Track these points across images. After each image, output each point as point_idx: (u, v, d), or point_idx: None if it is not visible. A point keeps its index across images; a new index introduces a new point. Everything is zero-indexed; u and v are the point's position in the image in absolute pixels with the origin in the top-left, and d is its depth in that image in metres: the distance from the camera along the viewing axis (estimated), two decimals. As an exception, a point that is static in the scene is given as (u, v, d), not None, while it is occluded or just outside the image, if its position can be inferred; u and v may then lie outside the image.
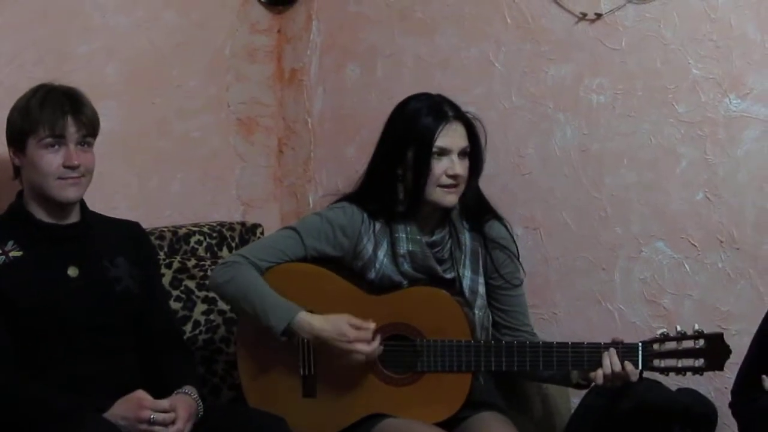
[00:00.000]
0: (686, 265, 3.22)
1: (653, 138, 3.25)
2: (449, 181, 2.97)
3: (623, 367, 2.77)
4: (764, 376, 2.58)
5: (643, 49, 3.24)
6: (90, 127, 2.85)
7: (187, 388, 2.82)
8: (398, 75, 3.70)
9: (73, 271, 2.85)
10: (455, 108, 3.02)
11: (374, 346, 2.88)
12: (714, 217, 3.16)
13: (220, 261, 3.08)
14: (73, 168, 2.80)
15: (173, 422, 2.70)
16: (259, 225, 3.75)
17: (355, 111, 3.80)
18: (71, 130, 2.80)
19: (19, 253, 2.82)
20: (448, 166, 2.96)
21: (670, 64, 3.20)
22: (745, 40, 3.09)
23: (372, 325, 2.88)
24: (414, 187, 2.98)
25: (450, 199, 2.99)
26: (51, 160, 2.79)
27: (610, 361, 2.78)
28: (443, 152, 2.97)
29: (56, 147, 2.80)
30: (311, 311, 2.95)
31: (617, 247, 3.33)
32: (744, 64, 3.09)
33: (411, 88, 3.15)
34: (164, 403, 2.71)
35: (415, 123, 2.98)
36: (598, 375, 2.80)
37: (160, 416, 2.68)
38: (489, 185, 3.21)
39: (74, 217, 2.90)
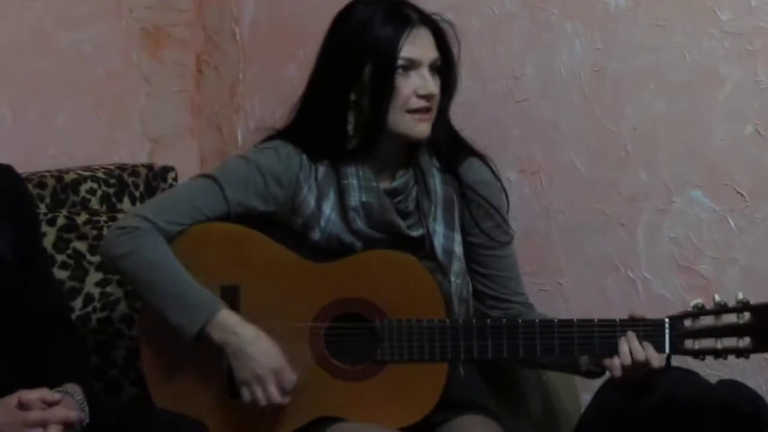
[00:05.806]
0: (731, 221, 2.94)
1: (688, 54, 2.94)
2: (421, 103, 2.70)
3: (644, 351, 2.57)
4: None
5: (678, -65, 2.96)
6: None
7: (69, 386, 2.56)
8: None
9: None
10: (418, 10, 2.77)
11: (283, 402, 2.65)
12: (767, 159, 2.88)
13: (116, 223, 2.79)
14: None
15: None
16: (172, 168, 3.47)
17: (297, 19, 3.50)
18: None
19: None
20: (419, 84, 2.69)
21: (711, -45, 2.92)
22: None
23: (294, 377, 2.67)
24: (373, 116, 2.71)
25: (422, 128, 2.73)
26: None
27: (630, 348, 2.54)
28: (411, 65, 2.71)
29: None
30: (237, 287, 2.69)
31: (641, 198, 3.05)
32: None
33: (368, -14, 2.89)
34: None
35: (370, 31, 2.73)
36: (614, 365, 2.56)
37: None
38: (472, 117, 3.02)
39: None
